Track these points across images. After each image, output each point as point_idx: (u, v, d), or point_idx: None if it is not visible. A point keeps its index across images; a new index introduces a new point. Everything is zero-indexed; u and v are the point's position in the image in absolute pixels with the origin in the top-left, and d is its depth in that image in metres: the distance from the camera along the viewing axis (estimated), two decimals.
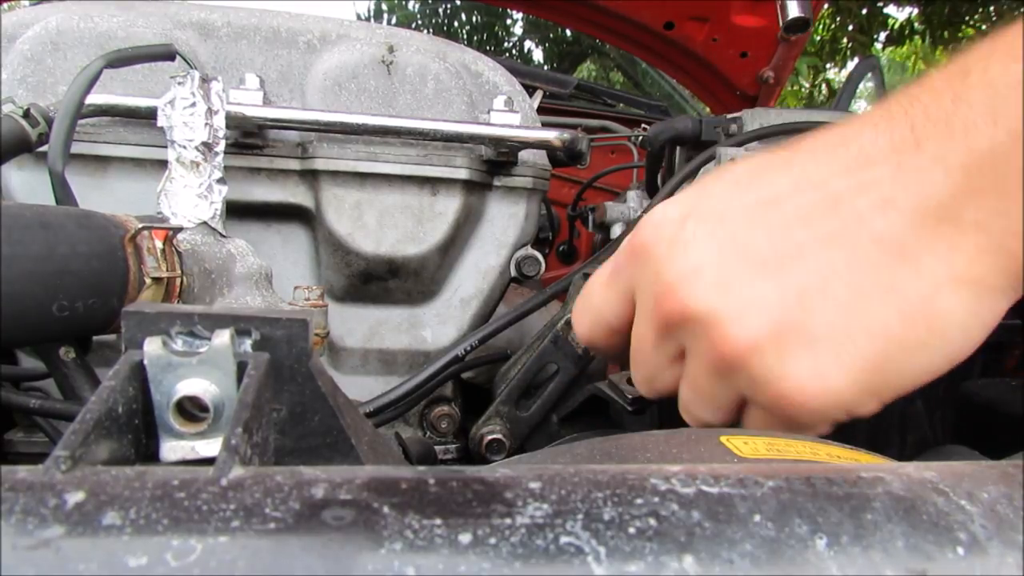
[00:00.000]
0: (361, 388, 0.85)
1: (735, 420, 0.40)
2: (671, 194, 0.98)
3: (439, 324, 0.90)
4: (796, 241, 0.35)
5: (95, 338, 0.62)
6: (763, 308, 0.34)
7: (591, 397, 0.78)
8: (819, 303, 0.34)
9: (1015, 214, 0.31)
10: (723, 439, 0.45)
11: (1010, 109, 0.30)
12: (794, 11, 1.35)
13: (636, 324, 0.41)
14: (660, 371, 0.41)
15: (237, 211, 0.80)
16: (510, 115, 0.84)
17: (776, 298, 0.34)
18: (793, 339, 0.34)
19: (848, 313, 0.34)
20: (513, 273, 0.91)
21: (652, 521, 0.18)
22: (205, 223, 0.69)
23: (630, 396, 0.73)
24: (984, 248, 0.32)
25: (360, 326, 0.88)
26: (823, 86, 7.04)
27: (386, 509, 0.18)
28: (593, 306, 0.45)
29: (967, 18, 5.68)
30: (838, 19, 5.87)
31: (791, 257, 0.35)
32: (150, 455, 0.24)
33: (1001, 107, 0.30)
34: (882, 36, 6.26)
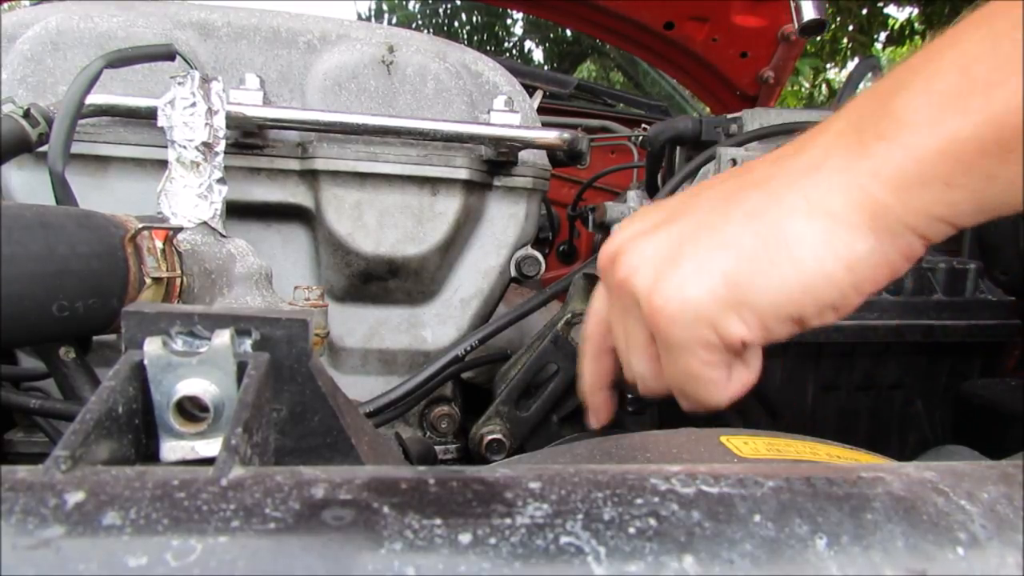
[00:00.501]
0: (361, 388, 0.85)
1: (659, 369, 0.43)
2: (671, 194, 0.99)
3: (439, 324, 0.90)
4: (695, 203, 0.42)
5: (95, 338, 0.62)
6: (647, 243, 0.41)
7: None
8: (691, 234, 0.40)
9: (880, 158, 0.35)
10: (723, 439, 0.45)
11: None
12: (810, 13, 1.34)
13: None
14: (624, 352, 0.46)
15: (237, 211, 0.80)
16: (510, 115, 0.84)
17: (659, 238, 0.41)
18: (666, 264, 0.39)
19: (711, 236, 0.39)
20: (513, 273, 0.91)
21: (652, 521, 0.18)
22: (205, 223, 0.69)
23: (629, 396, 0.73)
24: (840, 187, 0.36)
25: (360, 326, 0.88)
26: (823, 86, 7.04)
27: (386, 509, 0.18)
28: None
29: None
30: (838, 19, 5.87)
31: (686, 212, 0.41)
32: (150, 455, 0.24)
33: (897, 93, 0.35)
34: (882, 36, 6.25)
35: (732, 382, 0.41)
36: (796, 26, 1.38)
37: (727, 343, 0.38)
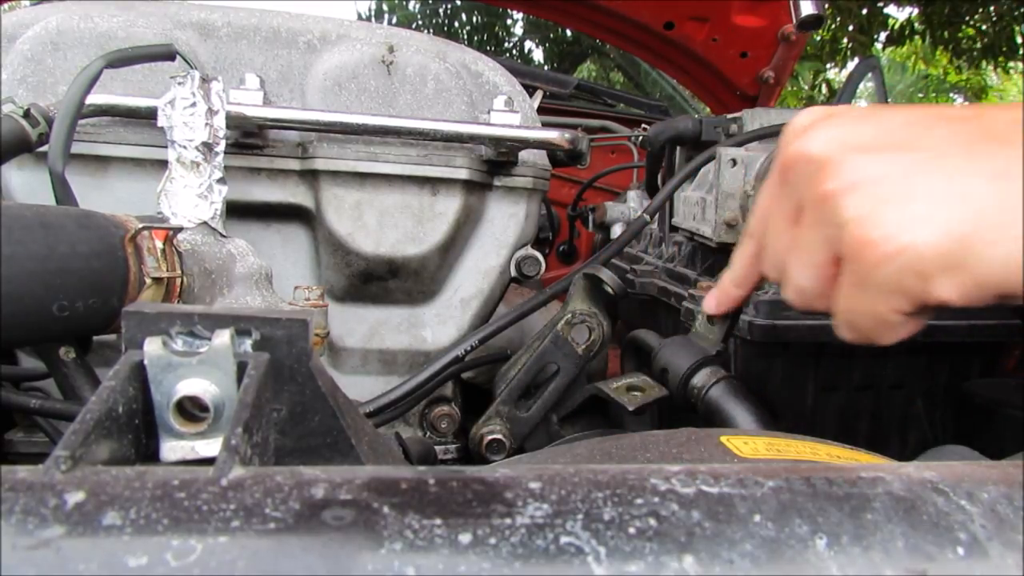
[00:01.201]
0: (361, 388, 0.85)
1: (828, 289, 0.40)
2: (671, 194, 0.99)
3: (439, 324, 0.90)
4: (931, 136, 0.36)
5: (95, 338, 0.62)
6: (869, 162, 0.36)
7: (591, 397, 0.78)
8: (929, 170, 0.35)
9: None
10: (723, 439, 0.45)
11: None
12: (808, 8, 1.34)
13: (763, 202, 0.44)
14: (782, 243, 0.43)
15: (237, 211, 0.80)
16: (510, 115, 0.84)
17: (885, 161, 0.36)
18: (889, 191, 0.35)
19: (951, 181, 0.34)
20: (513, 273, 0.91)
21: (652, 521, 0.18)
22: (205, 223, 0.69)
23: (630, 408, 0.73)
24: None
25: (360, 326, 0.88)
26: (823, 86, 7.04)
27: (386, 509, 0.18)
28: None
29: (967, 18, 5.68)
30: (838, 19, 5.87)
31: (921, 143, 0.36)
32: (150, 455, 0.24)
33: None
34: (882, 36, 6.25)
35: (906, 328, 0.38)
36: (794, 20, 1.38)
37: (931, 301, 0.35)
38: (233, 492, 0.18)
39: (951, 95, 10.17)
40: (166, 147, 0.69)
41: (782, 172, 0.41)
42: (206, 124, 0.69)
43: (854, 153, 0.37)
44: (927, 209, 0.34)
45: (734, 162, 0.84)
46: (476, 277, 0.90)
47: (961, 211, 0.34)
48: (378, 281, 0.87)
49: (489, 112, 0.85)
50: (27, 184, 0.76)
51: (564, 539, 0.17)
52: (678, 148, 1.10)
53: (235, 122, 0.74)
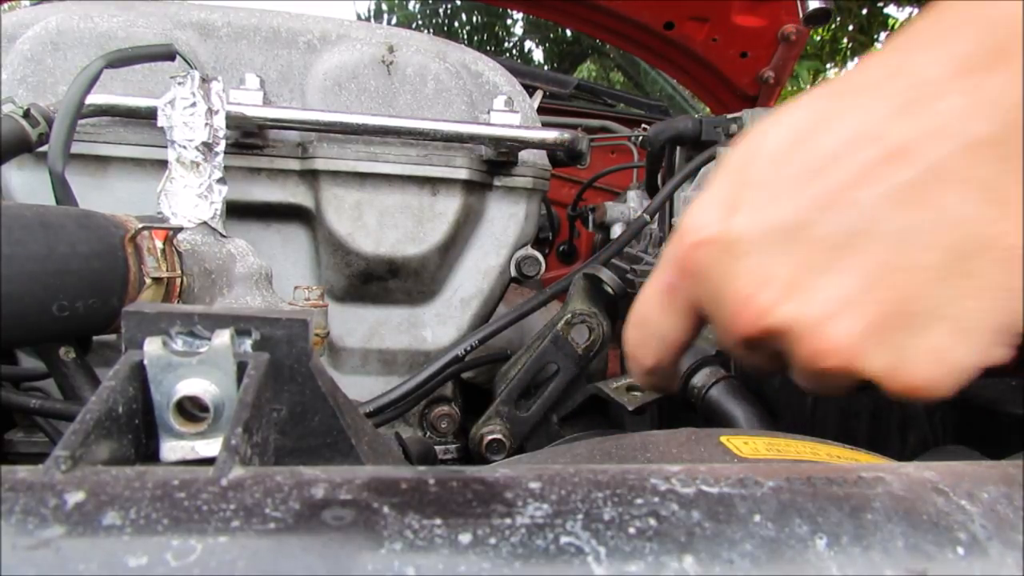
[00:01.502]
0: (361, 388, 0.85)
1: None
2: (671, 194, 0.99)
3: (439, 324, 0.90)
4: (862, 209, 0.30)
5: (95, 338, 0.62)
6: (849, 302, 0.30)
7: (591, 397, 0.78)
8: (908, 274, 0.29)
9: None
10: (723, 439, 0.45)
11: None
12: (815, 2, 1.34)
13: (721, 342, 0.38)
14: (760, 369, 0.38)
15: (237, 211, 0.80)
16: (510, 115, 0.84)
17: (859, 285, 0.30)
18: (896, 326, 0.30)
19: (947, 276, 0.29)
20: (513, 273, 0.91)
21: (652, 521, 0.18)
22: (205, 223, 0.69)
23: (630, 408, 0.73)
24: None
25: (360, 326, 0.88)
26: None
27: (386, 509, 0.18)
28: (653, 332, 0.40)
29: None
30: (838, 19, 5.87)
31: (861, 230, 0.30)
32: (150, 455, 0.24)
33: None
34: (882, 36, 6.26)
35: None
36: (801, 15, 1.38)
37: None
38: (233, 492, 0.18)
39: None
40: (166, 147, 0.69)
41: (746, 342, 0.36)
42: (206, 124, 0.69)
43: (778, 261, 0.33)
44: (945, 321, 0.30)
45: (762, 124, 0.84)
46: (476, 277, 0.90)
47: (980, 305, 0.29)
48: (378, 281, 0.87)
49: (489, 112, 0.85)
50: (27, 184, 0.76)
51: (564, 539, 0.17)
52: (678, 148, 1.10)
53: (235, 122, 0.74)
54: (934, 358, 0.29)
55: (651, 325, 0.40)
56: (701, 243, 0.33)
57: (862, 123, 0.30)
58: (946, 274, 0.29)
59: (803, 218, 0.30)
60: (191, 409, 0.24)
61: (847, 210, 0.30)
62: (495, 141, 0.82)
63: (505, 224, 0.90)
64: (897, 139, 0.29)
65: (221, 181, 0.70)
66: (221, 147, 0.70)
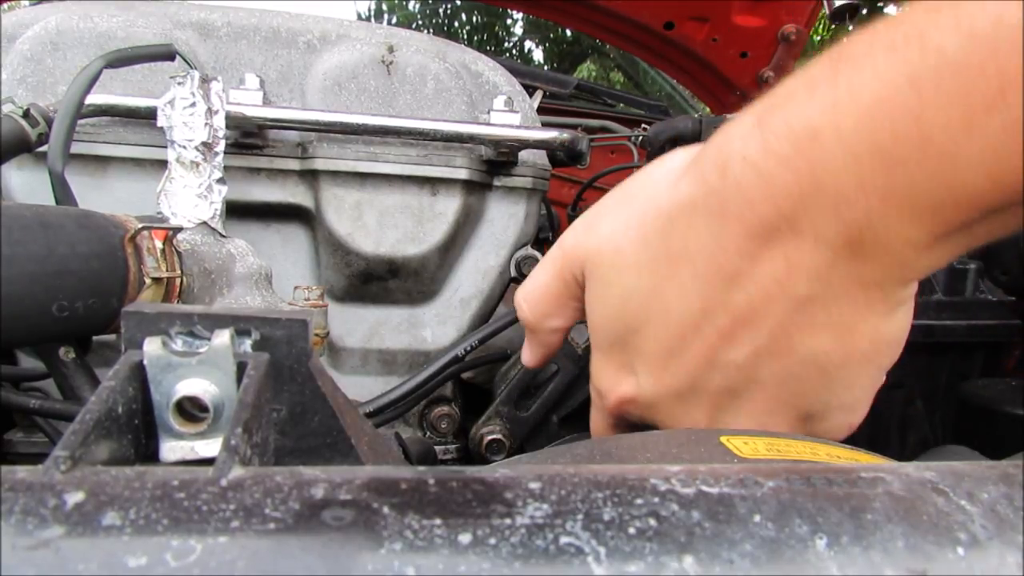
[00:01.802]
0: (361, 388, 0.85)
1: None
2: None
3: (439, 324, 0.90)
4: (738, 366, 0.36)
5: (95, 338, 0.62)
6: (760, 424, 0.37)
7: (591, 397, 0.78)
8: (796, 399, 0.36)
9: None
10: (723, 439, 0.45)
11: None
12: None
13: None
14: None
15: (237, 211, 0.80)
16: (510, 115, 0.84)
17: (760, 416, 0.37)
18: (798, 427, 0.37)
19: (825, 389, 0.36)
20: (513, 273, 0.91)
21: (652, 521, 0.18)
22: (205, 223, 0.69)
23: None
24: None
25: (360, 326, 0.88)
26: None
27: (386, 509, 0.18)
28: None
29: None
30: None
31: (744, 380, 0.36)
32: (150, 455, 0.24)
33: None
34: None
35: None
36: (827, 11, 1.37)
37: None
38: (233, 492, 0.18)
39: None
40: (166, 147, 0.69)
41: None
42: (206, 124, 0.69)
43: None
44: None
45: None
46: (476, 277, 0.90)
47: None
48: (378, 281, 0.87)
49: (489, 112, 0.85)
50: (27, 184, 0.76)
51: (564, 539, 0.17)
52: (678, 148, 1.10)
53: (235, 122, 0.74)
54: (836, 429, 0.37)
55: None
56: (624, 401, 0.40)
57: (700, 295, 0.34)
58: (823, 388, 0.36)
59: (693, 379, 0.36)
60: (191, 409, 0.24)
61: (725, 368, 0.35)
62: (495, 141, 0.82)
63: (505, 224, 0.90)
64: (738, 307, 0.33)
65: (221, 181, 0.70)
66: (221, 147, 0.70)
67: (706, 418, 0.37)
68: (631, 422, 0.42)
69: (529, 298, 0.43)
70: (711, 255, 0.33)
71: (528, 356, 0.46)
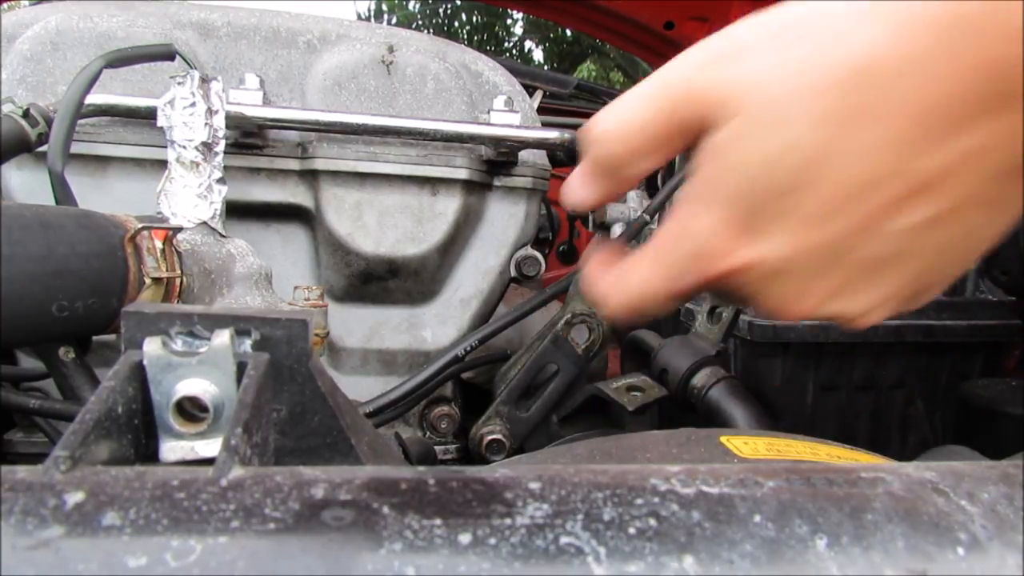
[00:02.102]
0: (361, 388, 0.85)
1: None
2: (671, 194, 0.99)
3: (439, 324, 0.90)
4: (895, 237, 0.32)
5: (95, 338, 0.62)
6: (885, 301, 0.34)
7: (591, 397, 0.78)
8: (939, 275, 0.34)
9: None
10: (723, 439, 0.45)
11: None
12: None
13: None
14: None
15: (237, 211, 0.80)
16: (510, 115, 0.84)
17: (894, 291, 0.34)
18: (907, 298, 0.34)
19: (961, 265, 0.34)
20: (513, 273, 0.91)
21: (652, 521, 0.18)
22: (205, 223, 0.69)
23: (630, 408, 0.73)
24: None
25: (360, 326, 0.88)
26: None
27: (386, 509, 0.18)
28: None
29: None
30: None
31: (895, 253, 0.33)
32: (150, 455, 0.24)
33: None
34: None
35: None
36: None
37: None
38: (233, 492, 0.18)
39: None
40: (166, 147, 0.69)
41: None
42: (206, 124, 0.69)
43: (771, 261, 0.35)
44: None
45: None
46: (476, 277, 0.90)
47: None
48: (378, 281, 0.87)
49: (489, 112, 0.85)
50: (26, 184, 0.76)
51: (564, 539, 0.17)
52: None
53: (235, 122, 0.74)
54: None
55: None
56: (735, 271, 0.34)
57: (882, 159, 0.30)
58: (969, 261, 0.33)
59: (842, 245, 0.32)
60: (191, 409, 0.24)
61: (881, 238, 0.31)
62: (495, 141, 0.82)
63: (505, 224, 0.90)
64: (920, 176, 0.30)
65: (221, 181, 0.70)
66: (221, 147, 0.70)
67: (828, 293, 0.33)
68: (700, 294, 0.39)
69: (623, 129, 0.36)
70: (915, 117, 0.29)
71: (591, 195, 0.38)
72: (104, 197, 0.77)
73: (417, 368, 0.86)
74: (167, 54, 0.73)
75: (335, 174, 0.82)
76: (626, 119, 0.36)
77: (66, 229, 0.51)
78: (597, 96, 2.15)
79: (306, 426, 0.27)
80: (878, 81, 0.30)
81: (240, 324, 0.25)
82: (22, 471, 0.18)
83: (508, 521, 0.18)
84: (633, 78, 3.06)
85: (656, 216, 1.24)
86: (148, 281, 0.58)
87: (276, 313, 0.25)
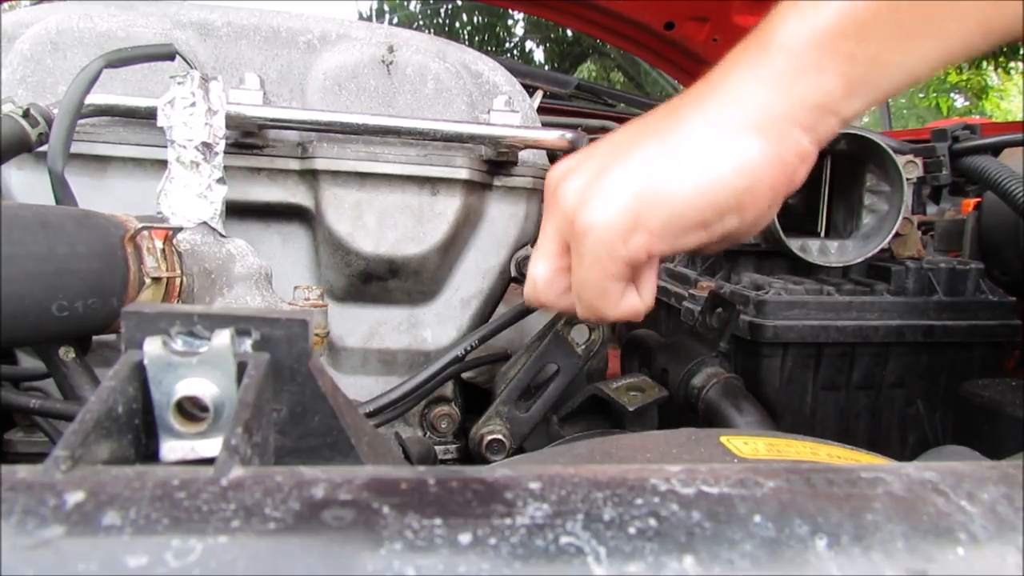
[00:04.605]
0: (361, 388, 0.85)
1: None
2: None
3: (439, 324, 0.90)
4: (617, 138, 0.48)
5: (95, 338, 0.62)
6: (577, 178, 0.46)
7: (591, 397, 0.78)
8: (607, 163, 0.45)
9: (761, 64, 0.43)
10: (723, 439, 0.45)
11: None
12: None
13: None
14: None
15: (237, 211, 0.80)
16: (510, 115, 0.84)
17: (585, 170, 0.47)
18: (587, 192, 0.45)
19: (624, 163, 0.44)
20: (513, 273, 0.91)
21: (652, 521, 0.18)
22: (205, 223, 0.69)
23: (630, 408, 0.73)
24: (733, 98, 0.44)
25: (360, 326, 0.88)
26: None
27: (386, 509, 0.18)
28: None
29: None
30: None
31: (608, 146, 0.48)
32: (150, 455, 0.24)
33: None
34: None
35: (624, 300, 0.47)
36: None
37: (631, 257, 0.44)
38: (233, 492, 0.18)
39: (952, 95, 10.17)
40: (166, 147, 0.69)
41: (546, 202, 0.53)
42: (206, 124, 0.69)
43: (568, 175, 0.48)
44: (610, 189, 0.44)
45: None
46: (476, 277, 0.90)
47: (634, 178, 0.43)
48: (378, 281, 0.87)
49: (489, 112, 0.85)
50: (27, 184, 0.76)
51: (564, 539, 0.17)
52: None
53: (235, 122, 0.74)
54: (594, 209, 0.46)
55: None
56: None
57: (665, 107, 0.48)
58: (622, 160, 0.46)
59: (595, 151, 0.50)
60: (191, 409, 0.24)
61: (617, 143, 0.49)
62: (495, 141, 0.82)
63: (505, 224, 0.90)
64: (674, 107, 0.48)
65: (221, 181, 0.70)
66: (221, 147, 0.70)
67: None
68: None
69: None
70: None
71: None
72: (104, 197, 0.77)
73: (417, 368, 0.86)
74: (167, 54, 0.73)
75: (335, 174, 0.82)
76: None
77: (66, 229, 0.51)
78: (597, 96, 2.15)
79: (306, 426, 0.27)
80: None
81: (240, 324, 0.25)
82: (22, 471, 0.18)
83: (508, 521, 0.18)
84: (633, 78, 3.06)
85: None
86: (148, 281, 0.58)
87: (276, 313, 0.25)
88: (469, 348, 0.80)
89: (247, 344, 0.25)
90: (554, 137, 0.84)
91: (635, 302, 0.48)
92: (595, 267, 0.45)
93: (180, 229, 0.66)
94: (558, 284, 0.50)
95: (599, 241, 0.44)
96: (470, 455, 0.80)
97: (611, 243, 0.43)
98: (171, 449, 0.24)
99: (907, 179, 0.82)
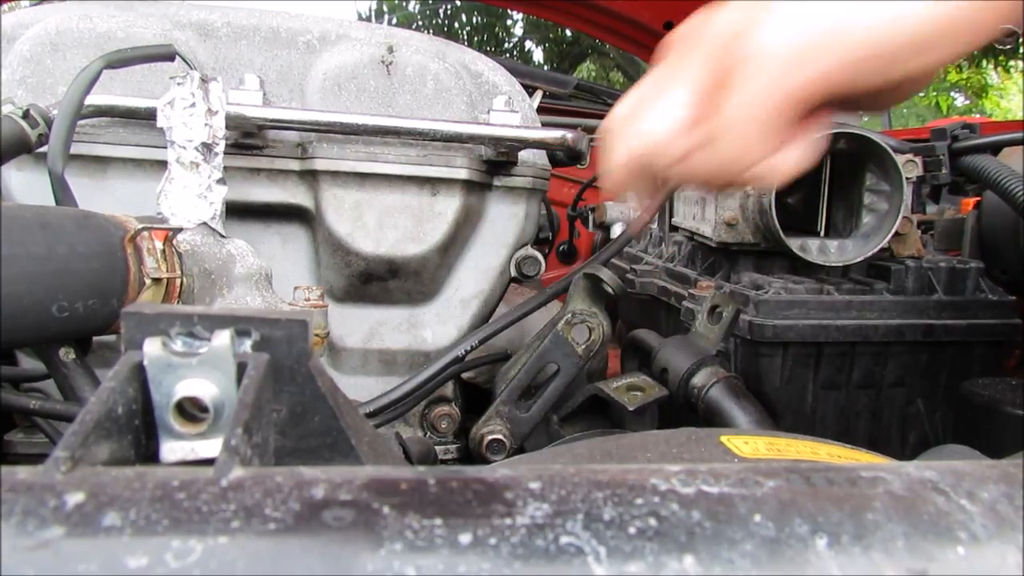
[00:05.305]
0: (361, 388, 0.85)
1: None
2: (671, 194, 0.99)
3: (439, 324, 0.90)
4: None
5: (95, 338, 0.62)
6: (732, 10, 0.41)
7: (591, 397, 0.78)
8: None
9: None
10: (723, 439, 0.45)
11: None
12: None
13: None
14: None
15: (237, 211, 0.80)
16: (510, 115, 0.84)
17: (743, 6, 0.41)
18: (760, 15, 0.40)
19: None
20: (513, 273, 0.91)
21: (652, 521, 0.18)
22: (205, 224, 0.69)
23: (630, 408, 0.73)
24: None
25: (360, 326, 0.88)
26: None
27: (386, 509, 0.18)
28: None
29: None
30: None
31: None
32: (150, 456, 0.24)
33: None
34: None
35: (776, 153, 0.41)
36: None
37: (806, 87, 0.39)
38: (233, 493, 0.18)
39: (951, 93, 10.17)
40: (165, 148, 0.69)
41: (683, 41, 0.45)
42: (205, 124, 0.69)
43: (715, 14, 0.42)
44: (780, 16, 0.39)
45: None
46: (476, 277, 0.90)
47: (807, 9, 0.39)
48: (378, 281, 0.87)
49: (489, 112, 0.85)
50: (26, 185, 0.76)
51: (564, 539, 0.17)
52: None
53: (235, 122, 0.74)
54: (772, 31, 0.40)
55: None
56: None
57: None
58: None
59: None
60: (191, 410, 0.24)
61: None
62: (495, 141, 0.82)
63: (505, 224, 0.90)
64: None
65: (221, 182, 0.70)
66: (220, 148, 0.70)
67: None
68: None
69: None
70: None
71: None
72: (104, 198, 0.77)
73: (417, 368, 0.86)
74: (167, 55, 0.73)
75: (335, 174, 0.82)
76: None
77: (66, 230, 0.51)
78: (597, 96, 2.15)
79: (306, 426, 0.27)
80: None
81: (240, 324, 0.25)
82: (22, 472, 0.18)
83: (508, 521, 0.18)
84: (633, 78, 3.06)
85: (656, 216, 1.24)
86: (148, 282, 0.58)
87: (276, 313, 0.25)
88: (469, 348, 0.80)
89: (247, 345, 0.25)
90: (554, 137, 0.84)
91: (785, 158, 0.42)
92: (759, 99, 0.39)
93: (180, 230, 0.66)
94: (687, 139, 0.43)
95: (771, 66, 0.39)
96: (470, 455, 0.80)
97: (786, 69, 0.38)
98: (171, 450, 0.24)
99: (907, 178, 0.82)
